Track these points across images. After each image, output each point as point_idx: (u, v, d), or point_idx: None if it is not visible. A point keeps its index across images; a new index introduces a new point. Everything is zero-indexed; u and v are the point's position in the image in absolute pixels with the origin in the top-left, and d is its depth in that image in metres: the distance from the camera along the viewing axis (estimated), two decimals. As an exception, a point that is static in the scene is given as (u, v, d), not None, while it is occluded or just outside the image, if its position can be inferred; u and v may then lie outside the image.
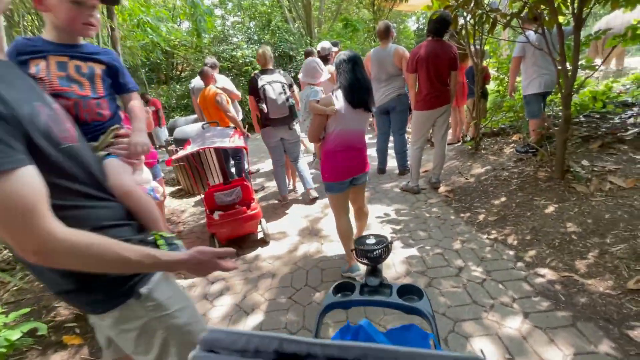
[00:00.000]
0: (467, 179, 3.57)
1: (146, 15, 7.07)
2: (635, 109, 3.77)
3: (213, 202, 2.77)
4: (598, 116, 3.85)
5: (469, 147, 4.30)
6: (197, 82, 4.68)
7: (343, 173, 2.00)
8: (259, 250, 2.82)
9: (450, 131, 4.26)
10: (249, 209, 2.76)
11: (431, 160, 3.67)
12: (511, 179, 3.17)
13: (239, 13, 14.17)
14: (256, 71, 3.38)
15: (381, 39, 3.71)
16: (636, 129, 3.19)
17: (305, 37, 11.16)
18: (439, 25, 3.01)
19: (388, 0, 10.16)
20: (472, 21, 3.45)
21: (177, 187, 4.91)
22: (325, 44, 3.78)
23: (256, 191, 4.25)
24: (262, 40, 10.73)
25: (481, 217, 2.79)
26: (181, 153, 2.58)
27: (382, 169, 4.31)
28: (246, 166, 4.62)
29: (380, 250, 0.93)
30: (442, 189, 3.50)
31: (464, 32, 3.60)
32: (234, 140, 2.89)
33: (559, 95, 2.75)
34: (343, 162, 1.98)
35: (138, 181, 1.45)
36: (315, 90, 3.00)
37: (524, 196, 2.79)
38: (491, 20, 2.98)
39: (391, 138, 4.13)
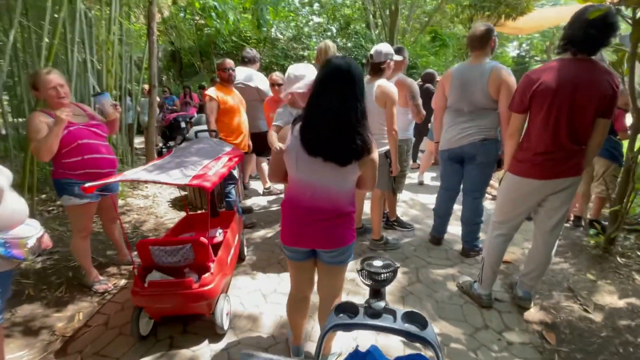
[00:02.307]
0: (587, 310, 2.04)
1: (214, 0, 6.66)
2: None
3: (150, 259, 1.81)
4: None
5: (592, 242, 2.67)
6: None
7: (294, 239, 1.40)
8: (204, 347, 1.78)
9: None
10: (199, 282, 1.73)
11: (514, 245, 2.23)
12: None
13: (324, 15, 13.65)
14: None
15: (473, 49, 2.40)
16: None
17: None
18: (596, 32, 1.62)
19: (491, 18, 8.53)
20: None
21: (184, 193, 4.13)
22: (383, 47, 2.59)
23: (247, 226, 3.25)
24: (337, 44, 9.95)
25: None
26: (108, 180, 1.66)
27: (437, 238, 2.95)
28: (237, 198, 3.67)
29: (387, 275, 0.89)
30: (534, 312, 2.04)
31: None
32: (214, 168, 1.91)
33: None
34: (295, 224, 1.38)
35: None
36: (280, 112, 1.95)
37: None
38: None
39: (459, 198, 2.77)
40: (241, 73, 3.78)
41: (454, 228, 3.13)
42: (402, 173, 3.09)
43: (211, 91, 3.00)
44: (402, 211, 3.75)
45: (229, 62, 3.05)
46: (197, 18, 8.72)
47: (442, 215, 2.88)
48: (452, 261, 2.67)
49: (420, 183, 4.73)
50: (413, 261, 2.66)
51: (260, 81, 3.77)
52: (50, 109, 1.99)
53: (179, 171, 1.77)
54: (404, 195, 4.25)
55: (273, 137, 1.49)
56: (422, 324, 0.85)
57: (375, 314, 0.87)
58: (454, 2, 9.66)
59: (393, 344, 1.77)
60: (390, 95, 2.39)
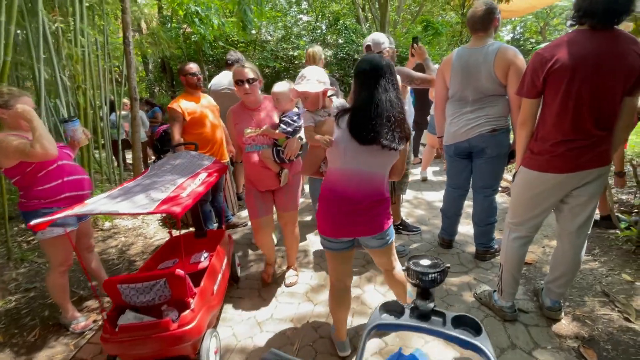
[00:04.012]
0: (628, 319, 1.77)
1: (197, 5, 6.43)
2: None
3: (120, 299, 1.57)
4: None
5: (625, 236, 2.41)
6: (216, 81, 3.63)
7: (336, 229, 1.47)
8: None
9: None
10: (178, 321, 1.50)
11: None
12: None
13: (312, 13, 13.40)
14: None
15: (475, 31, 2.15)
16: None
17: (375, 40, 9.78)
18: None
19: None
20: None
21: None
22: (377, 36, 2.34)
23: (235, 225, 3.01)
24: (327, 41, 9.69)
25: None
26: (58, 215, 1.42)
27: (447, 241, 2.70)
28: (229, 214, 3.40)
29: (435, 275, 0.85)
30: (566, 324, 1.79)
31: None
32: (189, 188, 1.69)
33: None
34: (335, 215, 1.45)
35: None
36: (306, 114, 1.74)
37: None
38: None
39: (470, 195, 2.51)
40: (226, 77, 3.55)
41: (465, 227, 2.89)
42: (405, 172, 2.84)
43: (174, 104, 2.70)
44: (407, 212, 3.49)
45: (192, 66, 2.76)
46: (184, 26, 8.52)
47: (450, 215, 2.62)
48: (466, 267, 2.42)
49: (424, 179, 4.47)
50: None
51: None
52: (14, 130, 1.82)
53: (145, 196, 1.53)
54: (407, 194, 4.00)
55: (313, 134, 1.49)
56: (475, 329, 0.80)
57: (423, 316, 0.82)
58: (444, -11, 9.39)
59: (440, 349, 1.63)
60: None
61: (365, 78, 1.34)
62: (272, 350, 0.72)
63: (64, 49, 2.71)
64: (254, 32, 9.98)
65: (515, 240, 1.81)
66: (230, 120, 2.17)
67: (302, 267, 2.58)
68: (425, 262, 0.88)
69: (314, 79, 1.55)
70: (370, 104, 1.31)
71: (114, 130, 5.01)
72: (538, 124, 1.65)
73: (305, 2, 13.78)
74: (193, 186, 1.78)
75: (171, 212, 1.40)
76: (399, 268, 1.67)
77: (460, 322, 0.81)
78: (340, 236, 1.48)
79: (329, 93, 1.59)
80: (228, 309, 2.15)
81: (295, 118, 2.02)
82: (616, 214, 2.62)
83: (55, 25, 2.72)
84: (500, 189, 3.64)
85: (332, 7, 11.88)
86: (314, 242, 2.98)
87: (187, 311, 1.53)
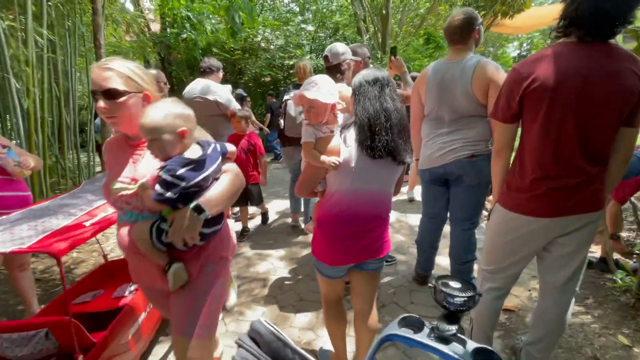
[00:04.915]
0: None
1: (189, 10, 6.29)
2: None
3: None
4: None
5: (623, 286, 2.07)
6: (189, 88, 3.41)
7: (340, 256, 1.36)
8: None
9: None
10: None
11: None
12: None
13: (313, 22, 13.34)
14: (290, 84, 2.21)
15: (452, 43, 1.89)
16: None
17: (375, 51, 9.61)
18: (611, 6, 1.09)
19: (487, 17, 8.02)
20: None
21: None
22: (337, 47, 2.08)
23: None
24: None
25: None
26: None
27: (422, 277, 2.39)
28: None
29: (463, 300, 0.78)
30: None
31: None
32: (101, 214, 1.43)
33: None
34: (344, 241, 1.32)
35: None
36: (307, 129, 1.48)
37: None
38: None
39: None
40: (197, 85, 3.35)
41: (444, 259, 2.58)
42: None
43: None
44: (386, 237, 3.19)
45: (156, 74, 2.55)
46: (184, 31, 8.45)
47: (426, 248, 2.32)
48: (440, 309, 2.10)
49: (411, 200, 4.17)
50: (390, 310, 2.11)
51: (220, 93, 3.32)
52: None
53: (30, 226, 1.27)
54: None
55: (314, 153, 1.30)
56: None
57: (442, 338, 0.79)
58: (447, 3, 9.21)
59: None
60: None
61: (372, 88, 1.27)
62: (260, 320, 0.81)
63: (9, 49, 2.49)
64: (256, 39, 9.90)
65: (489, 291, 1.51)
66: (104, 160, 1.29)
67: (252, 302, 2.28)
68: (455, 284, 0.83)
69: (326, 88, 1.33)
70: (379, 113, 1.24)
71: (98, 135, 4.87)
72: (516, 154, 1.37)
73: (308, 12, 13.77)
74: (108, 212, 1.52)
75: (49, 252, 1.13)
76: (375, 309, 1.51)
77: (481, 356, 0.75)
78: (347, 263, 1.38)
79: (337, 108, 1.38)
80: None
81: (186, 170, 1.02)
82: (615, 256, 2.30)
83: (6, 23, 2.52)
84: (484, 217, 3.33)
85: (335, 17, 11.78)
86: (277, 267, 2.70)
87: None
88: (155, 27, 9.71)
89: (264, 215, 3.74)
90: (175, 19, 5.85)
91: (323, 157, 1.28)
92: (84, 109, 5.90)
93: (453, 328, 0.79)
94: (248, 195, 3.25)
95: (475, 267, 2.16)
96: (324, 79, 1.39)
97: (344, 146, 1.28)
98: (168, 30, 8.62)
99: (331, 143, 1.31)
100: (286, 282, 2.49)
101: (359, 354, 1.58)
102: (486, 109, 1.83)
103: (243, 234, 3.39)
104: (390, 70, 2.48)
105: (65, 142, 3.54)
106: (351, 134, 1.29)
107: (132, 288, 1.84)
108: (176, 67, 9.89)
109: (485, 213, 3.38)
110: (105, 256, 2.10)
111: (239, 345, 0.96)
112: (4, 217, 1.42)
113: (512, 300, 2.09)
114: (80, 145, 4.38)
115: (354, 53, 2.28)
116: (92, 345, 1.35)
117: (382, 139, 1.23)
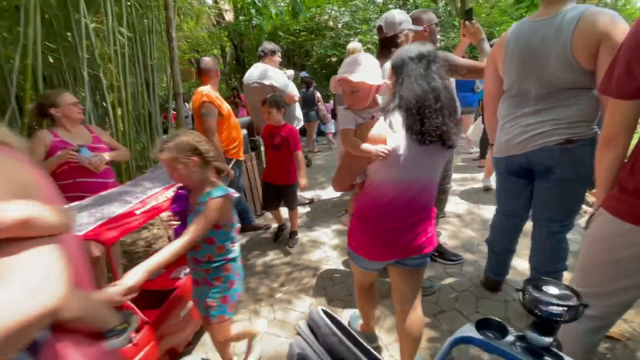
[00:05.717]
0: None
1: (253, -5, 6.38)
2: None
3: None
4: None
5: None
6: (247, 74, 3.49)
7: (382, 251, 1.27)
8: None
9: None
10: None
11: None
12: None
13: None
14: None
15: (545, -7, 1.45)
16: None
17: (452, 18, 8.53)
18: None
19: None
20: None
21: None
22: (394, 15, 1.75)
23: (257, 228, 2.75)
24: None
25: None
26: None
27: (493, 282, 2.04)
28: (251, 215, 3.11)
29: (561, 309, 0.63)
30: None
31: None
32: (151, 203, 1.51)
33: None
34: (386, 235, 1.23)
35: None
36: (346, 114, 1.36)
37: None
38: None
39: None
40: (255, 70, 3.39)
41: (522, 263, 2.16)
42: (442, 188, 2.25)
43: (206, 97, 2.47)
44: (452, 232, 2.84)
45: None
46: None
47: (499, 251, 1.96)
48: (513, 324, 1.77)
49: (487, 189, 3.63)
50: (450, 318, 1.85)
51: (276, 77, 3.30)
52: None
53: (91, 213, 1.38)
54: (459, 207, 3.29)
55: (355, 141, 1.19)
56: None
57: (531, 351, 0.66)
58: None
59: None
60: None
61: (418, 66, 1.14)
62: (318, 310, 0.74)
63: (96, 49, 2.81)
64: (323, 17, 9.70)
65: (583, 320, 1.16)
66: None
67: (301, 292, 2.25)
68: (552, 289, 0.70)
69: (371, 68, 1.21)
70: (428, 94, 1.11)
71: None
72: (636, 145, 0.98)
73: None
74: (162, 199, 1.59)
75: (99, 241, 1.21)
76: (420, 310, 1.37)
77: None
78: (390, 258, 1.30)
79: (381, 90, 1.24)
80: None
81: None
82: None
83: (93, 25, 2.83)
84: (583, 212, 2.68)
85: (407, -15, 10.77)
86: (330, 256, 2.62)
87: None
88: (229, 16, 10.21)
89: (279, 228, 3.08)
90: (242, 6, 5.98)
91: (368, 146, 1.15)
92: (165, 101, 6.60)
93: (544, 341, 0.66)
94: (282, 196, 2.74)
95: (566, 275, 1.75)
96: (367, 58, 1.23)
97: (391, 132, 1.15)
98: (240, 18, 9.00)
99: (374, 129, 1.17)
100: (336, 275, 2.39)
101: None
102: (593, 77, 1.37)
103: (277, 235, 3.05)
104: (464, 38, 2.08)
105: (149, 130, 3.97)
106: (396, 119, 1.15)
107: (187, 270, 1.96)
108: (248, 54, 10.34)
109: (585, 208, 2.75)
110: (169, 238, 2.28)
111: (298, 333, 0.92)
112: (77, 202, 1.59)
113: (618, 325, 1.63)
114: (164, 131, 4.90)
115: (416, 20, 1.94)
116: (145, 323, 1.45)
117: (432, 122, 1.10)
